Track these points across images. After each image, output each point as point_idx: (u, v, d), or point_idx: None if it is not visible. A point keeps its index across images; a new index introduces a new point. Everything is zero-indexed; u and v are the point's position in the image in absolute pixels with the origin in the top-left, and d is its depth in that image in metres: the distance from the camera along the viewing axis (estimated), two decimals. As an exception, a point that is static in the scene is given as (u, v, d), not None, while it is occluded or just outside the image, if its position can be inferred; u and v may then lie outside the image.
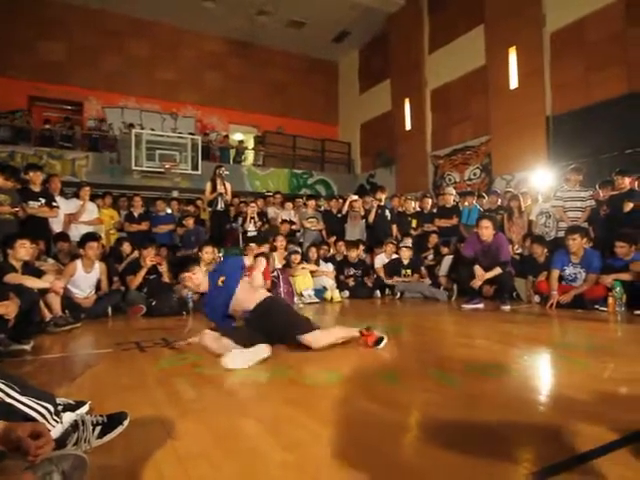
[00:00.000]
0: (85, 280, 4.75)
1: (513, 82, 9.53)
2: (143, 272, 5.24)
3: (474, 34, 10.51)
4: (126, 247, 5.99)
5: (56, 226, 5.91)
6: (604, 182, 6.17)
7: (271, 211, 8.15)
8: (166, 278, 5.37)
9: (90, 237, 4.85)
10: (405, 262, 6.49)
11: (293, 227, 7.62)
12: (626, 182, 5.64)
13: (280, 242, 6.30)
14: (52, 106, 12.48)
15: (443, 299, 5.99)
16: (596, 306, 4.62)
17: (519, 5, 9.28)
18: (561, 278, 4.97)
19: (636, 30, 7.64)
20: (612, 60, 7.99)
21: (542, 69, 9.05)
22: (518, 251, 6.27)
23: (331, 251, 7.16)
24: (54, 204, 5.64)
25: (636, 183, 5.83)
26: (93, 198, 6.97)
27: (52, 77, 11.84)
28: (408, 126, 12.53)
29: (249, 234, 7.22)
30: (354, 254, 6.66)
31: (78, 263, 4.72)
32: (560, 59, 8.84)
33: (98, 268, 4.86)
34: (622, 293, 4.40)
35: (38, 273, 3.90)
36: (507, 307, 4.90)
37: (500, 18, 9.70)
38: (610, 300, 4.46)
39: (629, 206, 5.40)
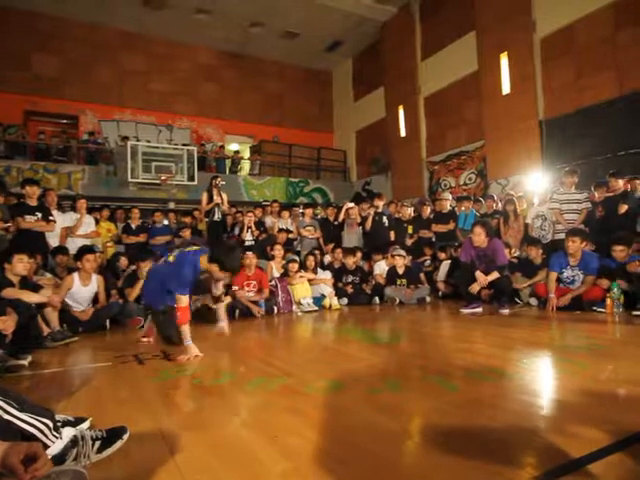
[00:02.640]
0: (83, 293, 4.73)
1: (505, 87, 9.63)
2: (141, 283, 5.21)
3: (466, 40, 10.63)
4: (123, 262, 5.98)
5: (52, 240, 5.90)
6: (599, 183, 6.19)
7: (268, 220, 8.16)
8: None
9: (87, 250, 4.84)
10: (400, 271, 6.46)
11: (290, 236, 7.63)
12: (620, 184, 5.68)
13: (278, 251, 6.31)
14: (47, 120, 12.52)
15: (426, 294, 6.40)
16: (594, 308, 4.62)
17: (510, 11, 9.40)
18: (559, 280, 4.99)
19: (625, 34, 7.75)
20: (602, 64, 8.09)
21: (534, 74, 9.15)
22: (515, 254, 6.29)
23: (329, 258, 7.16)
24: (51, 218, 5.64)
25: (629, 185, 5.89)
26: (90, 211, 6.98)
27: (47, 91, 11.91)
28: (403, 133, 12.62)
29: (246, 243, 7.21)
30: (351, 261, 6.66)
31: (75, 276, 4.70)
32: (551, 64, 8.94)
33: (95, 281, 4.84)
34: (620, 294, 4.41)
35: (35, 288, 3.89)
36: (506, 311, 4.90)
37: (491, 24, 9.83)
38: (608, 301, 4.47)
39: (624, 208, 5.44)
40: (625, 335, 3.63)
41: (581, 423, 1.58)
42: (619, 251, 4.72)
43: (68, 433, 1.44)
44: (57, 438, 1.39)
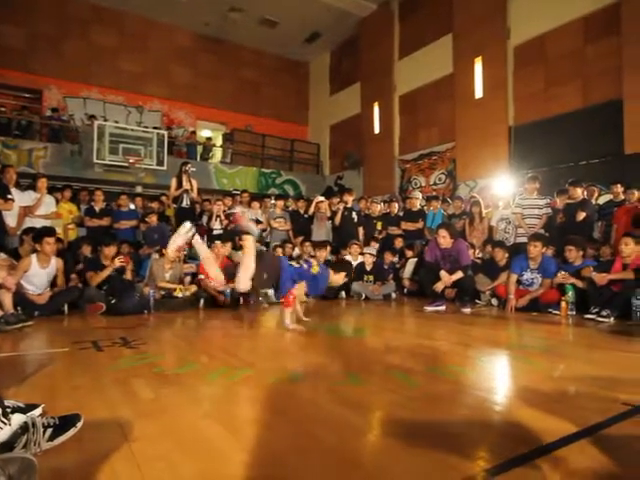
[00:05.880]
0: (40, 276, 4.55)
1: (478, 91, 9.82)
2: (107, 272, 5.04)
3: (442, 42, 10.77)
4: (85, 249, 5.77)
5: (10, 219, 5.63)
6: (561, 190, 6.44)
7: (238, 210, 8.06)
8: (128, 275, 5.22)
9: (47, 232, 4.65)
10: (368, 268, 6.55)
11: (260, 227, 7.57)
12: (579, 192, 5.93)
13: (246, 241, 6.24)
14: (9, 92, 11.86)
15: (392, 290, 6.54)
16: (550, 309, 4.83)
17: (486, 16, 9.58)
18: (519, 282, 5.17)
19: (593, 48, 8.05)
20: (570, 75, 8.38)
21: (506, 80, 9.38)
22: (479, 255, 6.47)
23: (297, 251, 7.16)
24: (9, 196, 5.38)
25: (586, 193, 6.17)
26: (51, 191, 6.69)
27: (10, 62, 11.25)
28: (377, 130, 12.70)
29: (215, 232, 7.11)
30: (322, 255, 6.67)
31: (33, 258, 4.52)
32: (522, 72, 9.19)
33: (54, 264, 4.67)
34: (574, 298, 4.62)
35: (-12, 268, 3.72)
36: (467, 310, 5.05)
37: (468, 28, 9.99)
38: (563, 304, 4.67)
39: (582, 215, 5.70)
40: (577, 336, 3.81)
41: (532, 419, 1.65)
42: (569, 251, 5.00)
43: (18, 419, 1.38)
44: (5, 424, 1.34)
